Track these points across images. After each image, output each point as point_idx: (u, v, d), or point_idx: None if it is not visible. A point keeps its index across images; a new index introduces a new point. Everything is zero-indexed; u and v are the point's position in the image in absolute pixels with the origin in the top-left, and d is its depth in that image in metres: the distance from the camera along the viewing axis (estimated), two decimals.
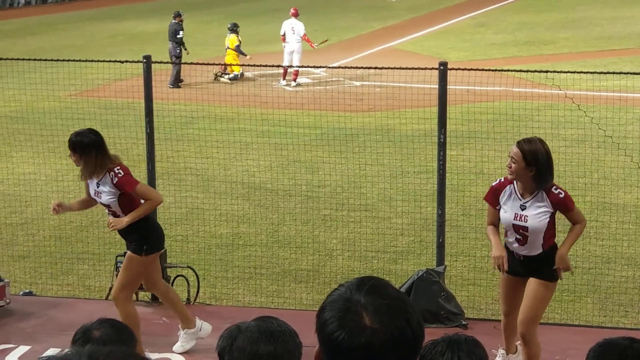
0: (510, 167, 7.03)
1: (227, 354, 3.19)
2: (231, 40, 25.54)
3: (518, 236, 7.18)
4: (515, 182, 7.16)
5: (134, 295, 9.73)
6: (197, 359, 8.36)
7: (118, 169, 7.77)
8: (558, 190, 7.12)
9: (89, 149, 7.70)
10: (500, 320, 7.92)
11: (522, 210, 7.10)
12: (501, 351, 7.82)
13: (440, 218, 9.52)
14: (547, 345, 8.12)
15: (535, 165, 6.95)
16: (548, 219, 7.11)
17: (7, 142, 16.55)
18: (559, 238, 7.39)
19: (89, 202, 8.18)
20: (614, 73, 10.65)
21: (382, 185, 14.04)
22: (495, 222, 7.38)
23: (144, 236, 7.98)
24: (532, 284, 7.25)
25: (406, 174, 14.41)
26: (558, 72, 10.93)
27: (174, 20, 25.29)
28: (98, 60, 11.26)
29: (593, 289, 10.30)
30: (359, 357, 2.42)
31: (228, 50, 25.50)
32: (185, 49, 24.88)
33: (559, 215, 7.31)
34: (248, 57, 24.65)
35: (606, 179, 13.64)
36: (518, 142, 7.04)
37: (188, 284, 9.69)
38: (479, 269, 10.81)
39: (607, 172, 13.93)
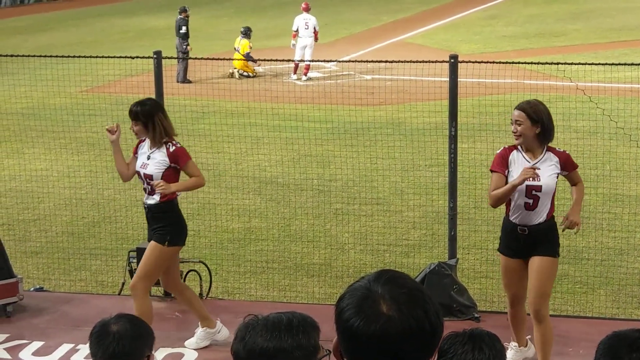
0: (515, 132, 7.17)
1: (239, 343, 3.17)
2: (243, 45, 25.51)
3: (528, 200, 7.17)
4: (520, 147, 7.24)
5: None
6: (209, 354, 8.37)
7: (177, 142, 7.88)
8: (559, 149, 7.32)
9: (151, 116, 7.79)
10: None
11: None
12: (513, 344, 7.82)
13: (452, 211, 9.51)
14: (560, 337, 8.10)
15: (539, 122, 7.11)
16: (556, 179, 7.23)
17: (19, 139, 16.60)
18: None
19: (128, 171, 8.10)
20: (625, 64, 10.60)
21: (394, 179, 14.03)
22: (500, 187, 7.25)
23: (171, 225, 7.94)
24: (535, 261, 7.25)
25: (417, 167, 14.39)
26: (569, 63, 10.89)
27: (179, 16, 25.31)
28: (109, 56, 11.30)
29: (606, 280, 10.28)
30: (374, 345, 2.41)
31: (237, 54, 25.40)
32: (188, 44, 24.85)
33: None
34: (257, 63, 24.58)
35: (618, 170, 13.60)
36: (518, 106, 7.23)
37: (200, 278, 9.71)
38: (491, 261, 10.79)
39: (619, 164, 13.89)
